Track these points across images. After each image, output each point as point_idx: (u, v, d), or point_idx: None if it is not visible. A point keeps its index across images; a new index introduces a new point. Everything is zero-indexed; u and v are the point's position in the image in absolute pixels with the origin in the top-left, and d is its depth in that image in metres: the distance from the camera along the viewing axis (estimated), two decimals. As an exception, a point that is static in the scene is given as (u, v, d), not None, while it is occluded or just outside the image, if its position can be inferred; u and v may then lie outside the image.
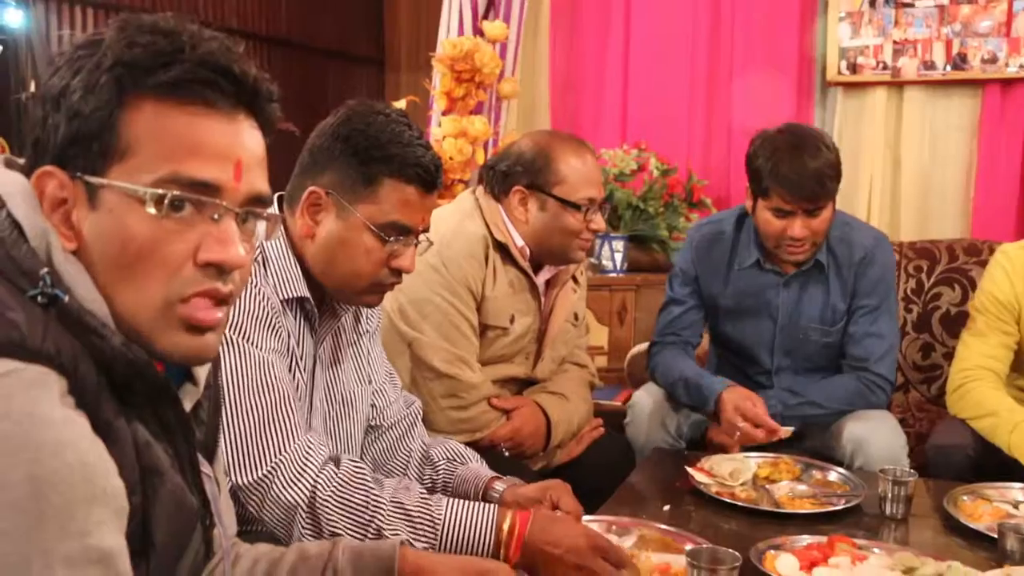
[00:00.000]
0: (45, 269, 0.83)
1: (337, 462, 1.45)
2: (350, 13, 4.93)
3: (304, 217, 1.52)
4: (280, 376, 1.44)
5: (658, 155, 3.85)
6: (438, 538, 1.40)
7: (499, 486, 1.69)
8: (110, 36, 0.87)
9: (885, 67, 3.58)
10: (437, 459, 1.78)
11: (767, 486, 2.05)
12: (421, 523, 1.41)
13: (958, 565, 1.56)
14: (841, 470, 2.14)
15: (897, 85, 3.60)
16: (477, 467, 1.76)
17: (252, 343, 1.43)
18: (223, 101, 0.89)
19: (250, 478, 1.38)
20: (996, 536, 1.68)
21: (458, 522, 1.41)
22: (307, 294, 1.53)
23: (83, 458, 0.76)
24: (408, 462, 1.78)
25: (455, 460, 1.78)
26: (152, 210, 0.84)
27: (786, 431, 2.17)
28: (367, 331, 1.75)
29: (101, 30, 0.89)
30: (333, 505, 1.39)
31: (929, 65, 3.54)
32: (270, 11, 4.48)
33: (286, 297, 1.51)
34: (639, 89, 4.06)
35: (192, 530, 0.98)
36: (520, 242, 2.16)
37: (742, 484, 2.04)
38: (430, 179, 1.51)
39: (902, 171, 3.62)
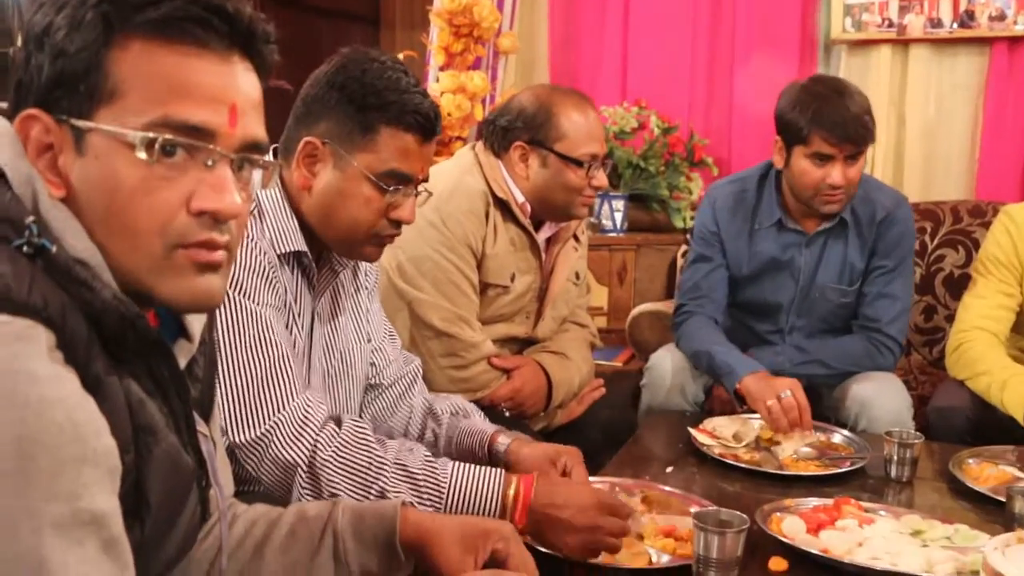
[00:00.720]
0: (31, 218, 0.78)
1: (339, 422, 1.42)
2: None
3: (300, 168, 1.47)
4: (278, 332, 1.41)
5: (659, 113, 3.79)
6: (443, 502, 1.37)
7: (503, 439, 1.67)
8: None
9: (891, 24, 3.51)
10: (440, 413, 1.75)
11: (771, 448, 2.03)
12: (426, 487, 1.38)
13: (965, 528, 1.55)
14: (845, 432, 2.13)
15: (902, 43, 3.53)
16: (480, 421, 1.74)
17: (248, 298, 1.39)
18: (216, 41, 0.84)
19: (248, 436, 1.35)
20: (1002, 499, 1.66)
21: (463, 487, 1.38)
22: (305, 248, 1.49)
23: (72, 416, 0.72)
24: (409, 419, 1.76)
25: (458, 414, 1.76)
26: (142, 155, 0.81)
27: (807, 436, 2.06)
28: (365, 287, 1.72)
29: None
30: (334, 465, 1.37)
31: (936, 23, 3.47)
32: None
33: (283, 251, 1.47)
34: (639, 46, 3.98)
35: (188, 490, 0.94)
36: (521, 198, 2.12)
37: (745, 446, 2.02)
38: (429, 126, 1.47)
39: (907, 131, 3.56)
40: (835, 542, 1.47)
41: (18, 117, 0.82)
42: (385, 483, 1.36)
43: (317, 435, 1.38)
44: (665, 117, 3.79)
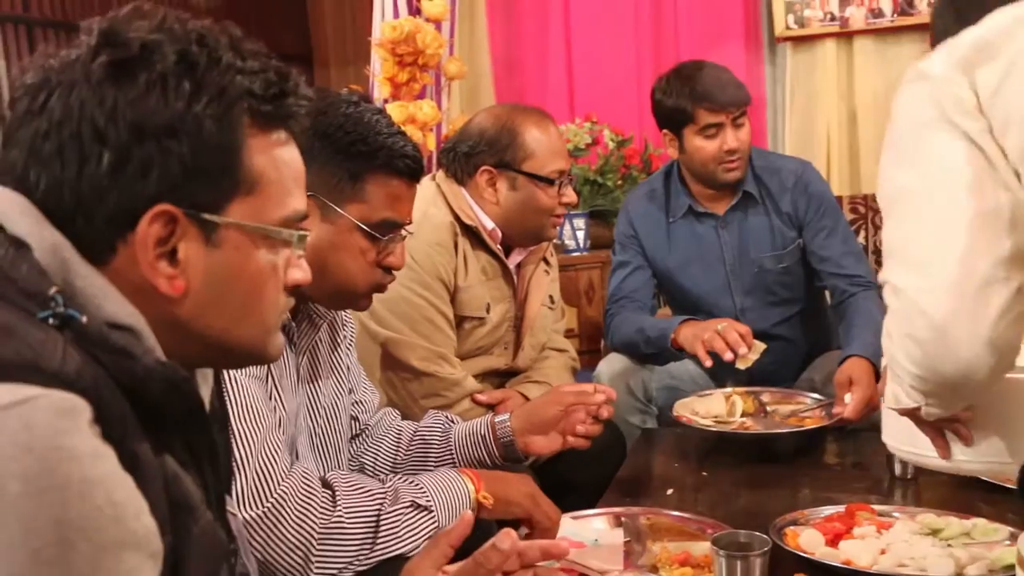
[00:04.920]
0: (54, 288, 0.72)
1: (328, 484, 1.35)
2: (274, 11, 4.78)
3: None
4: (263, 402, 1.34)
5: (611, 127, 3.77)
6: (435, 512, 1.38)
7: (500, 418, 1.68)
8: (226, 57, 0.80)
9: (833, 18, 3.53)
10: (432, 424, 1.73)
11: (765, 413, 2.08)
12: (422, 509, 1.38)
13: (983, 522, 1.51)
14: (808, 393, 2.21)
15: (846, 36, 3.55)
16: (470, 423, 1.73)
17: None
18: (293, 130, 0.88)
19: (254, 512, 1.27)
20: (1010, 487, 1.62)
21: (442, 493, 1.40)
22: None
23: (112, 496, 0.67)
24: (399, 441, 1.70)
25: (450, 420, 1.75)
26: (284, 249, 0.85)
27: (759, 347, 2.09)
28: (344, 339, 1.64)
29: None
30: (346, 519, 1.32)
31: (877, 13, 3.49)
32: (190, 14, 4.29)
33: None
34: (584, 60, 3.97)
35: (222, 571, 0.87)
36: (490, 225, 2.06)
37: (741, 418, 2.05)
38: (417, 167, 1.43)
39: (858, 123, 3.57)
40: (857, 552, 1.41)
41: (151, 212, 0.77)
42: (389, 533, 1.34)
43: (322, 503, 1.31)
44: (618, 130, 3.76)
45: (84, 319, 0.72)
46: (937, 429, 1.32)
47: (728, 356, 2.05)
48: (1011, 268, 1.12)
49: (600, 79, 3.92)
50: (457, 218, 2.03)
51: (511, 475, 1.50)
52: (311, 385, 1.52)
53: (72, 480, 0.64)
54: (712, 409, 2.08)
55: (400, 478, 1.43)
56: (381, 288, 1.47)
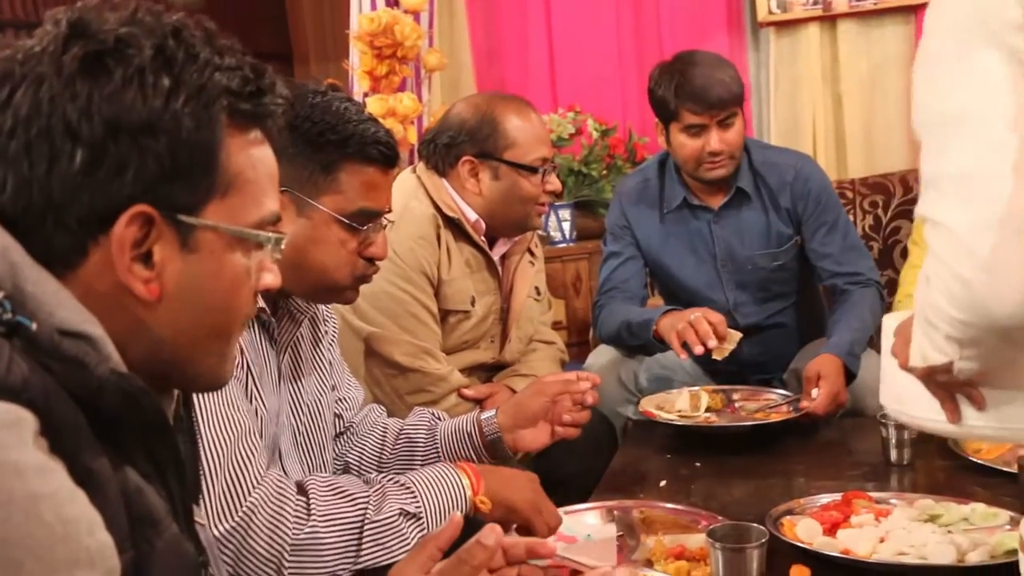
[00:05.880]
0: (1, 293, 0.69)
1: (304, 490, 1.29)
2: (252, 9, 4.72)
3: None
4: (240, 406, 1.29)
5: (595, 116, 3.72)
6: (423, 513, 1.34)
7: (487, 415, 1.65)
8: (203, 53, 0.77)
9: (816, 2, 3.49)
10: (417, 421, 1.70)
11: (733, 409, 2.10)
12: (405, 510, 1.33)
13: (982, 507, 1.49)
14: (778, 391, 2.21)
15: (830, 19, 3.51)
16: (456, 420, 1.69)
17: None
18: (269, 131, 0.84)
19: (223, 527, 1.22)
20: (1008, 471, 1.63)
21: (432, 493, 1.36)
22: (263, 304, 1.37)
23: (61, 513, 0.63)
24: (384, 439, 1.66)
25: (436, 418, 1.71)
26: (257, 252, 0.83)
27: (734, 336, 2.07)
28: (326, 334, 1.60)
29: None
30: (322, 529, 1.27)
31: (859, -5, 3.45)
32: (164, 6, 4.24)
33: None
34: (566, 49, 3.92)
35: None
36: (473, 216, 2.02)
37: (705, 414, 2.06)
38: (391, 154, 1.40)
39: (844, 107, 3.53)
40: (856, 541, 1.39)
41: (127, 214, 0.74)
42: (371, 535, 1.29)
43: (295, 513, 1.27)
44: (602, 119, 3.72)
45: (34, 326, 0.68)
46: (948, 391, 1.23)
47: (698, 349, 2.01)
48: None
49: (583, 68, 3.88)
50: (439, 210, 2.00)
51: (517, 474, 1.45)
52: (293, 383, 1.48)
53: (16, 496, 0.61)
54: (677, 404, 2.08)
55: (388, 478, 1.38)
56: (365, 279, 1.45)
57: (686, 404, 2.07)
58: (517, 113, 2.02)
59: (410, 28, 3.20)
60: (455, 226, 2.01)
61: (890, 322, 1.33)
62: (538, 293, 2.25)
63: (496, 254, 2.09)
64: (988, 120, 1.02)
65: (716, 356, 2.04)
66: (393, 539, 1.28)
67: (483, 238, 2.05)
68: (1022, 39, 1.00)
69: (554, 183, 2.06)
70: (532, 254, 2.22)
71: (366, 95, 3.39)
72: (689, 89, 2.24)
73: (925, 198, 1.09)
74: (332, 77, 3.65)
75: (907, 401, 1.32)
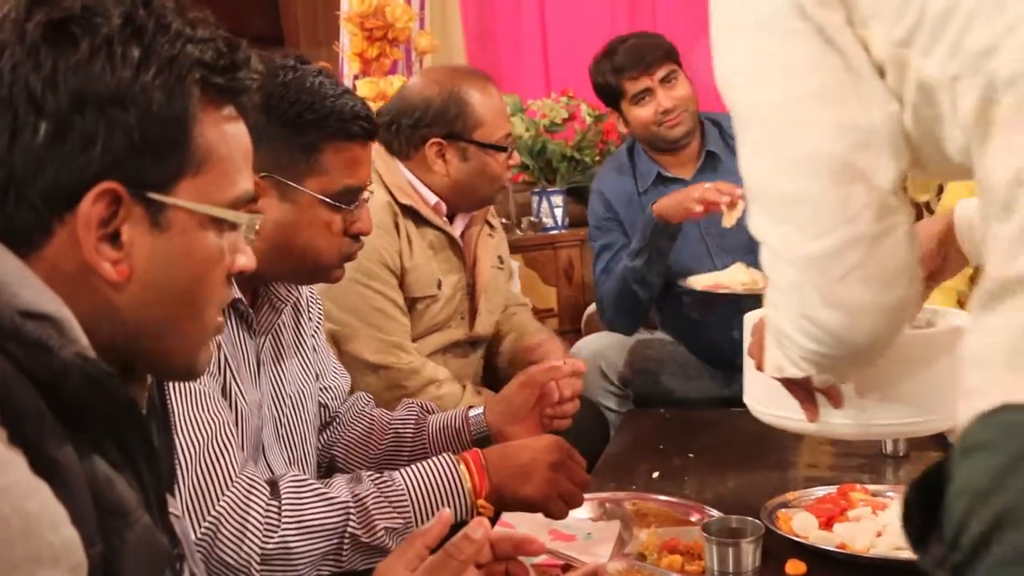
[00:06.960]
0: None
1: (275, 489, 1.25)
2: (242, -8, 4.67)
3: None
4: (214, 399, 1.26)
5: (588, 101, 3.67)
6: (411, 513, 1.29)
7: (474, 412, 1.61)
8: (175, 24, 0.74)
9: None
10: (406, 415, 1.66)
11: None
12: (391, 507, 1.29)
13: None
14: None
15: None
16: (445, 414, 1.66)
17: None
18: (243, 107, 0.81)
19: (195, 533, 1.19)
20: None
21: (421, 489, 1.30)
22: (239, 294, 1.33)
23: (21, 508, 0.59)
24: (371, 432, 1.63)
25: (425, 411, 1.68)
26: (232, 232, 0.80)
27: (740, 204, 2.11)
28: (310, 320, 1.56)
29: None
30: (296, 535, 1.22)
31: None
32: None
33: None
34: (559, 32, 3.89)
35: None
36: (433, 199, 1.99)
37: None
38: (370, 127, 1.36)
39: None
40: (853, 535, 1.36)
41: (94, 191, 0.70)
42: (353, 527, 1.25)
43: (263, 521, 1.22)
44: (595, 105, 3.67)
45: None
46: (808, 392, 1.18)
47: (724, 200, 2.10)
48: (897, 210, 0.91)
49: (576, 52, 3.82)
50: (394, 197, 1.95)
51: (530, 460, 1.33)
52: (274, 366, 1.44)
53: None
54: (737, 278, 2.14)
55: (378, 479, 1.32)
56: (351, 257, 1.42)
57: (746, 277, 2.11)
58: (481, 90, 1.98)
59: (401, 10, 3.16)
60: (412, 212, 1.97)
61: (748, 320, 1.33)
62: (500, 262, 2.23)
63: (456, 230, 2.06)
64: (797, 116, 0.90)
65: (726, 223, 2.11)
66: (378, 555, 1.23)
67: (443, 218, 2.02)
68: (829, 12, 0.87)
69: (515, 157, 2.10)
70: (490, 225, 2.20)
71: (356, 77, 3.35)
72: (621, 60, 2.39)
73: (752, 213, 0.98)
74: (323, 61, 3.61)
75: (767, 400, 1.29)
